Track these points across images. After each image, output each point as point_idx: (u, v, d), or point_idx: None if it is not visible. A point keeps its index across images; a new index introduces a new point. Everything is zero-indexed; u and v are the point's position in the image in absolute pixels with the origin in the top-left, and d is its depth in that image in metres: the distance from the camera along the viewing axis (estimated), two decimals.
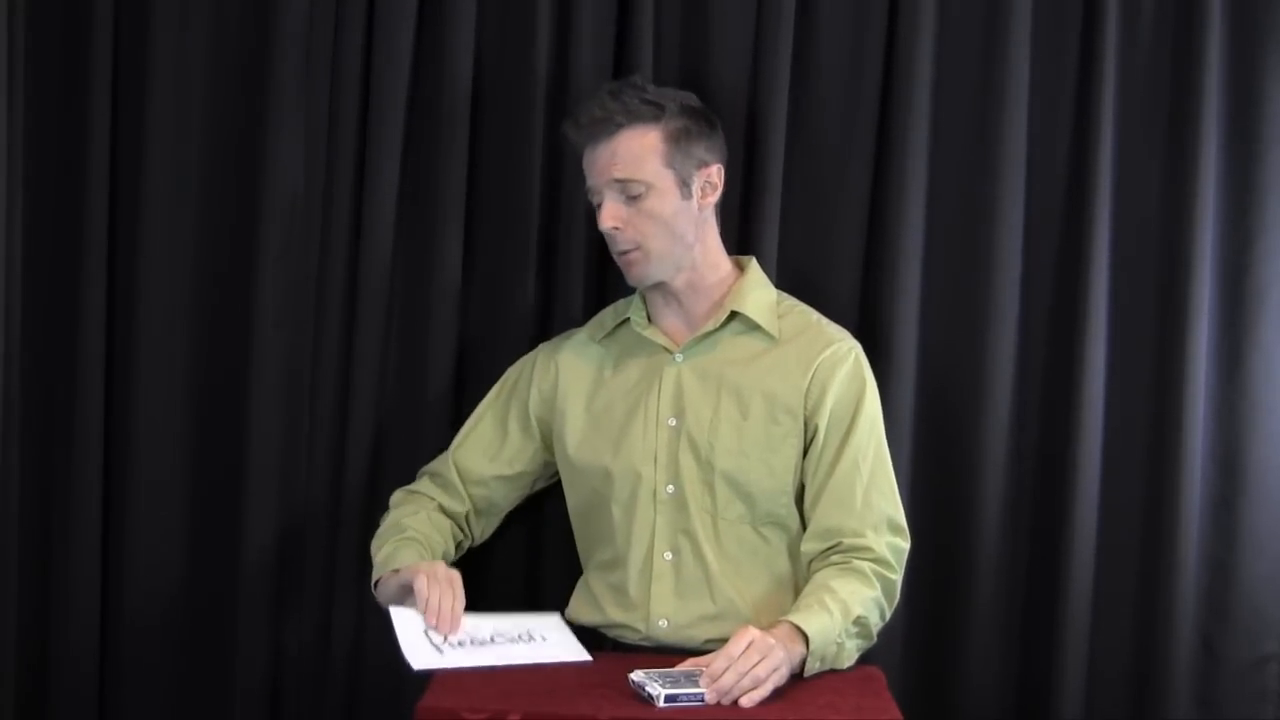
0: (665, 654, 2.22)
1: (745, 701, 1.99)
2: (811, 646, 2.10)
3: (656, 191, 2.28)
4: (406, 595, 2.20)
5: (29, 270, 2.58)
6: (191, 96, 2.59)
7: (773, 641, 2.05)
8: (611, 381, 2.37)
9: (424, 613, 2.16)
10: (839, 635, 2.14)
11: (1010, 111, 2.54)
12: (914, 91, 2.53)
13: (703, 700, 1.99)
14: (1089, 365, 2.54)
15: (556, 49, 2.57)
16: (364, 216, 2.57)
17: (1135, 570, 2.58)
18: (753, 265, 2.41)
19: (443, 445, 2.51)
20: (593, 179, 2.31)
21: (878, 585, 2.23)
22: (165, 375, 2.59)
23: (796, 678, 2.10)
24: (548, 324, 2.53)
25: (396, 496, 2.46)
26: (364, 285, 2.56)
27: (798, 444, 2.29)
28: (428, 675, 2.06)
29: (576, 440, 2.35)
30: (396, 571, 2.25)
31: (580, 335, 2.44)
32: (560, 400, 2.38)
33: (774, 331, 2.34)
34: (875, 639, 2.25)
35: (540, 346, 2.47)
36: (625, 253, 2.30)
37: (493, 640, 2.18)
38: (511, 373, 2.47)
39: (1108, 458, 2.57)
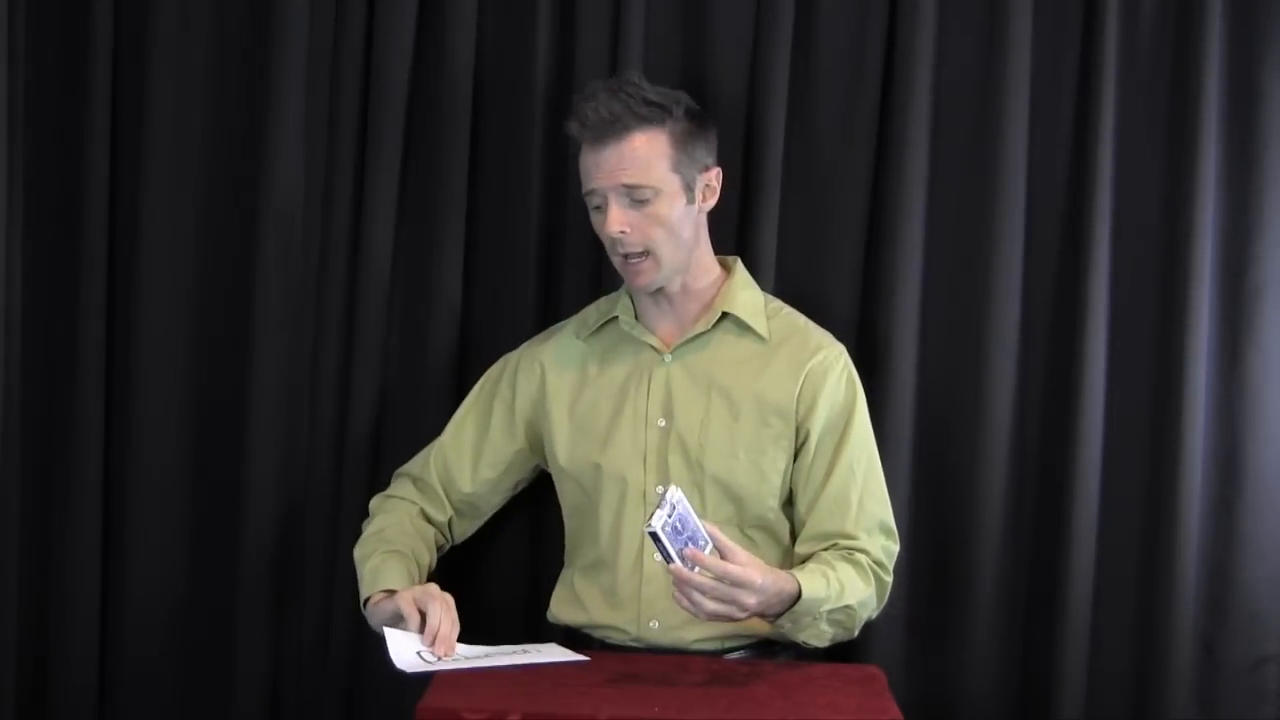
0: (656, 654, 2.24)
1: (685, 605, 2.00)
2: (796, 608, 2.11)
3: (664, 196, 2.24)
4: (400, 619, 2.16)
5: (29, 271, 2.58)
6: (192, 97, 2.59)
7: (760, 580, 2.03)
8: (597, 380, 2.35)
9: (419, 633, 2.13)
10: (822, 609, 2.14)
11: (1010, 111, 2.54)
12: (914, 91, 2.53)
13: (669, 564, 1.98)
14: (1089, 366, 2.54)
15: (556, 48, 2.57)
16: (364, 217, 2.57)
17: (1135, 571, 2.58)
18: (738, 266, 2.40)
19: None
20: (596, 182, 2.25)
21: (873, 582, 2.24)
22: (165, 376, 2.59)
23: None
24: (548, 324, 2.52)
25: (375, 502, 2.43)
26: (364, 285, 2.56)
27: (788, 448, 2.29)
28: (428, 676, 2.05)
29: (565, 443, 2.34)
30: (389, 594, 2.21)
31: (563, 333, 2.42)
32: (547, 402, 2.36)
33: (764, 333, 2.33)
34: (855, 634, 2.27)
35: (522, 346, 2.45)
36: (633, 258, 2.26)
37: (487, 657, 2.16)
38: (492, 372, 2.44)
39: (1107, 459, 2.57)
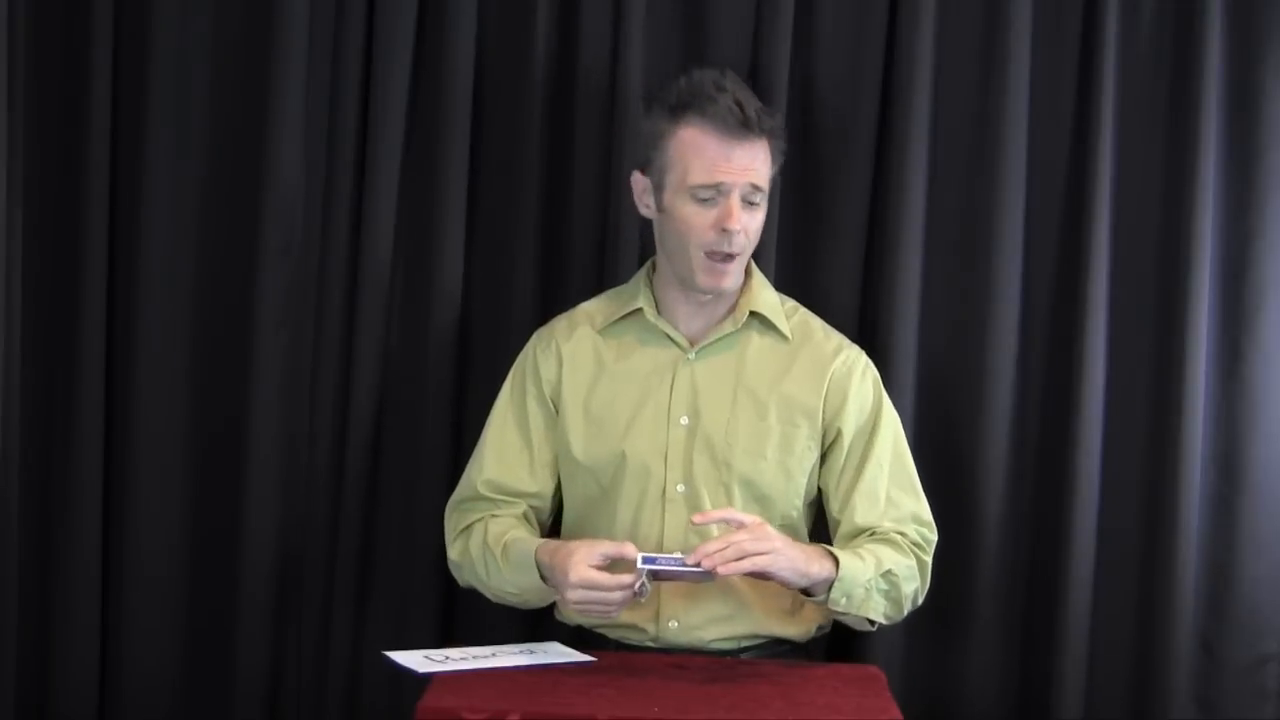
0: (672, 654, 2.24)
1: (723, 570, 2.03)
2: (840, 573, 2.13)
3: (764, 205, 2.28)
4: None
5: (29, 270, 2.58)
6: (192, 96, 2.59)
7: (774, 531, 2.09)
8: (615, 373, 2.34)
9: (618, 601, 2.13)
10: (869, 580, 2.17)
11: (1010, 111, 2.55)
12: (914, 91, 2.53)
13: (681, 563, 2.02)
14: (1089, 365, 2.54)
15: (556, 48, 2.57)
16: (364, 216, 2.57)
17: (1135, 570, 2.58)
18: (753, 266, 2.40)
19: (444, 444, 2.52)
20: (726, 175, 2.21)
21: (912, 558, 2.26)
22: (166, 375, 2.59)
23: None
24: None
25: (457, 547, 2.33)
26: (364, 285, 2.57)
27: (815, 448, 2.30)
28: (428, 677, 2.05)
29: (580, 437, 2.32)
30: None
31: (576, 323, 2.39)
32: (563, 392, 2.34)
33: (787, 332, 2.34)
34: (905, 612, 2.27)
35: (537, 333, 2.41)
36: (723, 259, 2.24)
37: (494, 656, 2.17)
38: (512, 375, 2.40)
39: (1107, 457, 2.57)
